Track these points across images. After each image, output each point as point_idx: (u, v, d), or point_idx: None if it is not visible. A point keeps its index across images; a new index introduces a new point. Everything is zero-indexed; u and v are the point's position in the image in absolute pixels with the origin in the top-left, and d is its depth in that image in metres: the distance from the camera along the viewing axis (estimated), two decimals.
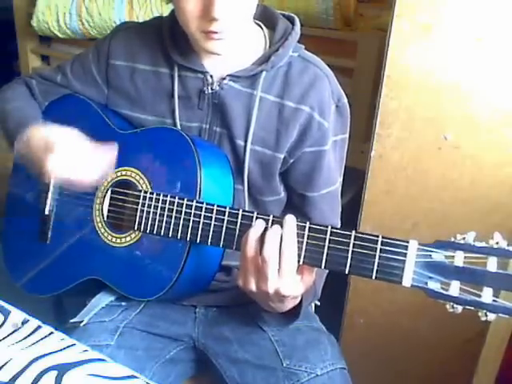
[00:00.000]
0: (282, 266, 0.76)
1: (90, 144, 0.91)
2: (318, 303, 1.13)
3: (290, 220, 0.77)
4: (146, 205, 0.91)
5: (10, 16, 2.33)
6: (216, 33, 0.84)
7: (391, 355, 1.37)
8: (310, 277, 0.80)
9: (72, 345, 0.78)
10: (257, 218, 0.81)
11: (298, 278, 0.79)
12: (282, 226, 0.77)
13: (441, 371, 1.34)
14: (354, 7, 1.75)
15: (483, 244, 0.67)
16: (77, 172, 0.89)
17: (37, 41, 2.34)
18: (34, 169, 0.92)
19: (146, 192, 0.92)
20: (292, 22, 0.97)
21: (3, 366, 0.72)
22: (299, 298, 0.84)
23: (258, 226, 0.79)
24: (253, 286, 0.79)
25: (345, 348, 1.05)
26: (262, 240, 0.77)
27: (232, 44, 0.89)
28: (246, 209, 0.98)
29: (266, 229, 0.78)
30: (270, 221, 0.79)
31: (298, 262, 0.77)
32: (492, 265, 0.66)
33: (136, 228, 0.92)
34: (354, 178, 1.39)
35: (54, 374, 0.71)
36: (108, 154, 0.92)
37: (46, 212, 1.03)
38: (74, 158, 0.89)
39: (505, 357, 1.29)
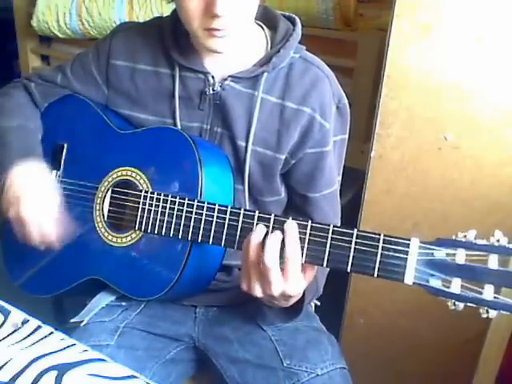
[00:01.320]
0: (288, 270, 0.76)
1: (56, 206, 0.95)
2: (318, 303, 1.13)
3: (292, 225, 0.77)
4: (147, 204, 0.91)
5: (10, 16, 2.33)
6: (218, 30, 0.84)
7: (391, 355, 1.37)
8: (312, 272, 0.80)
9: (72, 345, 0.78)
10: (258, 217, 0.81)
11: (302, 275, 0.79)
12: (283, 230, 0.77)
13: (441, 371, 1.34)
14: (354, 7, 1.75)
15: (484, 242, 0.67)
16: (37, 225, 0.93)
17: (37, 41, 2.34)
18: (6, 212, 0.95)
19: (146, 192, 0.92)
20: (293, 22, 0.97)
21: (3, 366, 0.72)
22: (301, 293, 0.85)
23: (258, 231, 0.78)
24: (258, 291, 0.79)
25: (345, 348, 1.05)
26: (263, 245, 0.77)
27: (234, 43, 0.89)
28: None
29: (266, 233, 0.78)
30: (272, 221, 0.79)
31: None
32: (493, 262, 0.67)
33: (137, 228, 0.92)
34: (354, 178, 1.40)
35: (54, 374, 0.71)
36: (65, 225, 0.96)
37: None
38: (36, 211, 0.93)
39: (505, 356, 1.29)
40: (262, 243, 0.77)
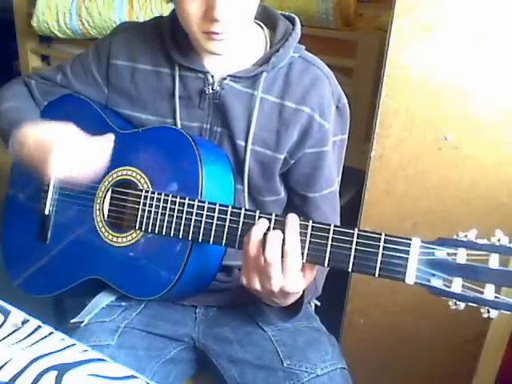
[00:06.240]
0: (287, 266, 0.76)
1: (87, 138, 0.92)
2: (318, 303, 1.13)
3: (293, 220, 0.77)
4: (148, 204, 0.91)
5: (10, 16, 2.33)
6: (217, 33, 0.84)
7: (391, 355, 1.37)
8: (312, 272, 0.80)
9: (72, 345, 0.78)
10: (259, 217, 0.81)
11: (301, 274, 0.79)
12: (284, 226, 0.77)
13: (441, 371, 1.34)
14: (354, 7, 1.75)
15: (485, 241, 0.67)
16: (78, 168, 0.90)
17: (37, 41, 2.33)
18: (34, 168, 0.92)
19: (146, 191, 0.92)
20: (292, 22, 0.97)
21: (3, 366, 0.72)
22: (301, 293, 0.85)
23: (260, 225, 0.79)
24: (257, 285, 0.79)
25: (345, 348, 1.05)
26: (264, 240, 0.77)
27: (233, 44, 0.89)
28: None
29: (268, 228, 0.78)
30: (273, 220, 0.79)
31: (302, 260, 0.77)
32: (494, 262, 0.67)
33: (137, 227, 0.92)
34: (354, 178, 1.39)
35: (54, 374, 0.71)
36: (105, 145, 0.94)
37: (46, 212, 1.03)
38: (72, 155, 0.89)
39: (505, 357, 1.29)
40: (263, 238, 0.77)
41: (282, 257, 0.76)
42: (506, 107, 1.09)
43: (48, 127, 0.92)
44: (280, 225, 0.78)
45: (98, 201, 0.98)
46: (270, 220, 0.79)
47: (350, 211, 1.29)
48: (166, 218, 0.89)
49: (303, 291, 0.85)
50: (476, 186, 1.16)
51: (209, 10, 0.82)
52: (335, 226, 0.76)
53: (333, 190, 1.02)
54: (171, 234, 0.88)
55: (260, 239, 0.78)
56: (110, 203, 0.98)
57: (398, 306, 1.31)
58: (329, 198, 1.02)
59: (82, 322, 0.99)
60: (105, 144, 0.94)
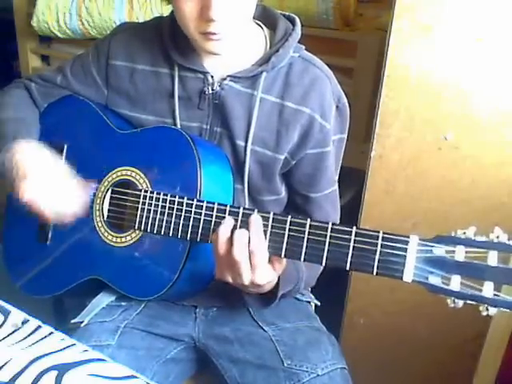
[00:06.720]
0: (254, 263, 0.79)
1: (68, 178, 0.93)
2: (318, 303, 1.13)
3: (255, 220, 0.79)
4: (147, 204, 0.91)
5: (10, 16, 2.33)
6: (214, 34, 0.84)
7: (391, 355, 1.37)
8: (280, 265, 0.82)
9: (72, 345, 0.78)
10: (228, 212, 0.82)
11: (269, 266, 0.81)
12: (248, 225, 0.79)
13: (441, 371, 1.34)
14: (354, 7, 1.75)
15: (484, 238, 0.67)
16: (49, 203, 0.90)
17: (37, 41, 2.33)
18: (11, 188, 0.92)
19: (146, 191, 0.92)
20: (292, 22, 0.97)
21: (3, 366, 0.72)
22: (275, 281, 0.86)
23: (226, 224, 0.80)
24: (229, 279, 0.82)
25: (345, 348, 1.05)
26: (232, 238, 0.79)
27: (231, 44, 0.89)
28: None
29: (235, 226, 0.80)
30: (239, 219, 0.81)
31: (299, 259, 0.78)
32: (493, 259, 0.66)
33: (136, 227, 0.92)
34: (354, 178, 1.40)
35: (54, 373, 0.71)
36: (83, 193, 0.95)
37: None
38: (46, 190, 0.90)
39: (505, 357, 1.29)
40: (231, 236, 0.79)
41: (249, 254, 0.78)
42: (506, 107, 1.09)
43: (29, 155, 0.92)
44: (246, 224, 0.80)
45: (98, 201, 0.98)
46: (267, 219, 0.80)
47: (350, 211, 1.29)
48: (165, 217, 0.89)
49: (278, 278, 0.86)
50: (476, 186, 1.16)
51: (204, 9, 0.82)
52: (333, 225, 0.76)
53: (334, 188, 1.03)
54: (170, 234, 0.88)
55: (228, 237, 0.80)
56: (110, 203, 0.98)
57: (398, 305, 1.31)
58: (330, 196, 1.02)
59: (82, 322, 0.99)
60: (82, 193, 0.95)
